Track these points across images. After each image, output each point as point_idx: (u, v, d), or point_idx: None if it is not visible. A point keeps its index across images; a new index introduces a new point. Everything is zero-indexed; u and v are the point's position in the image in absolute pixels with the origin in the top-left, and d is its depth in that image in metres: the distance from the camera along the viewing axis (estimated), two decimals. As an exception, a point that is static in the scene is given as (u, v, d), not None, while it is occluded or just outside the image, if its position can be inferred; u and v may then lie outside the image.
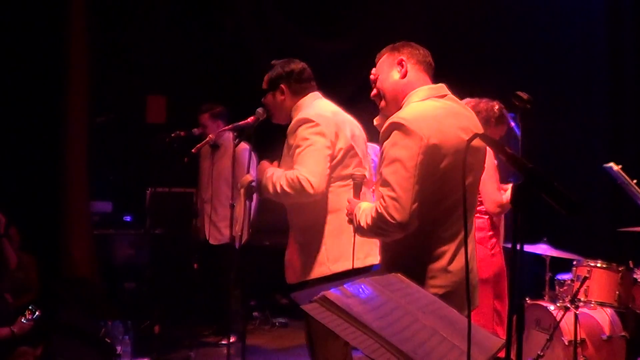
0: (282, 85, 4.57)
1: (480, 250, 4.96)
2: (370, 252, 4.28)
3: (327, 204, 4.37)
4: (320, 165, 4.26)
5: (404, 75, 3.53)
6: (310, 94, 4.60)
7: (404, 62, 3.54)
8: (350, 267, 4.19)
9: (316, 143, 4.30)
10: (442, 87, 3.51)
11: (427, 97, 3.42)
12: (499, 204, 5.22)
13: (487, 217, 5.26)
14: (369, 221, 3.31)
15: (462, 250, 3.34)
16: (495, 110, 5.36)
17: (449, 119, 3.31)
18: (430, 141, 3.20)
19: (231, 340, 7.04)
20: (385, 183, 3.25)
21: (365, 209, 3.39)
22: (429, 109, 3.34)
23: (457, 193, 3.26)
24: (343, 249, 4.27)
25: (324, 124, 4.35)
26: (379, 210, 3.23)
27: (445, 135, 3.24)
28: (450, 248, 3.37)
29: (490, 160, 4.98)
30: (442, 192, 3.25)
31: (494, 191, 5.21)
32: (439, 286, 3.32)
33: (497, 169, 5.23)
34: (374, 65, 3.68)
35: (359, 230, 3.45)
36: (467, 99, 5.06)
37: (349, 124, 4.54)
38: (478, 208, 4.96)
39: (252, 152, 5.81)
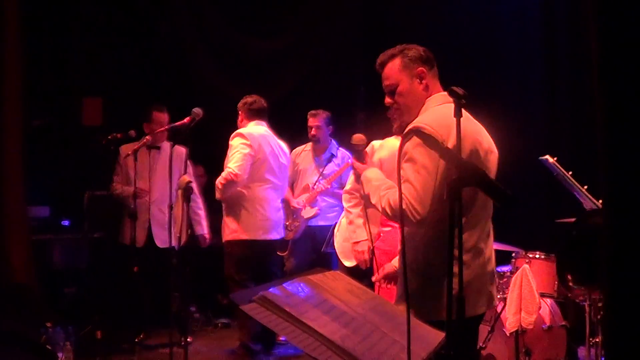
0: None
1: None
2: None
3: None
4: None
5: (425, 87, 3.74)
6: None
7: (424, 74, 3.73)
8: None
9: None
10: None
11: (442, 102, 3.63)
12: None
13: None
14: (389, 211, 3.54)
15: (480, 246, 3.63)
16: None
17: (463, 122, 3.36)
18: (446, 142, 3.34)
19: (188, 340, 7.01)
20: (406, 181, 3.45)
21: (387, 194, 3.56)
22: (447, 112, 3.44)
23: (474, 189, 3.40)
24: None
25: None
26: (403, 206, 3.41)
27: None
28: (469, 241, 3.58)
29: None
30: None
31: None
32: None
33: None
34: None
35: (369, 203, 3.70)
36: None
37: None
38: None
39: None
